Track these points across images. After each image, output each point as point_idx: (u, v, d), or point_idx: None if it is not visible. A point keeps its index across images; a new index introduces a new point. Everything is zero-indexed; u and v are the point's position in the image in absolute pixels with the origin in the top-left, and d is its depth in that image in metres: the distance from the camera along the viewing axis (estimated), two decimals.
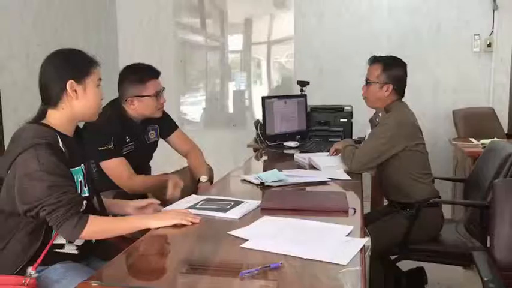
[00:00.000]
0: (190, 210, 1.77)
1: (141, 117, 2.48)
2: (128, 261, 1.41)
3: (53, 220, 1.51)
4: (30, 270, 1.59)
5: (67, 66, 1.64)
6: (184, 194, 2.24)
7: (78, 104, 1.64)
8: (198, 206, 1.86)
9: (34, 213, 1.52)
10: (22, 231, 1.59)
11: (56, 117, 1.64)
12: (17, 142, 1.57)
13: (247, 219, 1.70)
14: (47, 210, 1.50)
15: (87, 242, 1.73)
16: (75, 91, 1.63)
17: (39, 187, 1.50)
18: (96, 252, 1.81)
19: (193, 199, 1.97)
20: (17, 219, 1.59)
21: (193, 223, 1.63)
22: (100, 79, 1.71)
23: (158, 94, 2.44)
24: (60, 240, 1.65)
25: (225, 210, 1.79)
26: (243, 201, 1.89)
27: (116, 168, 2.33)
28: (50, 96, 1.63)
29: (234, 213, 1.75)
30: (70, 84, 1.61)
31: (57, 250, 1.66)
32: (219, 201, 1.91)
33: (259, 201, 1.90)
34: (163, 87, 2.50)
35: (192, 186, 2.49)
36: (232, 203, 1.87)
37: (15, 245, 1.60)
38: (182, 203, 1.94)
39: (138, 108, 2.43)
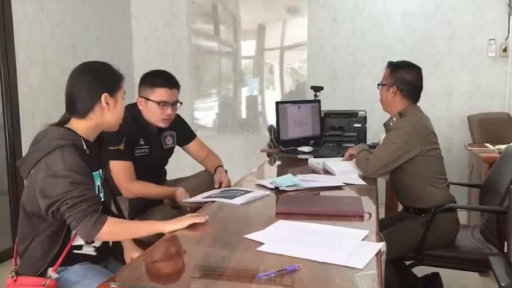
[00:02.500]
0: (205, 198, 2.11)
1: (151, 121, 2.49)
2: (146, 264, 1.42)
3: (73, 215, 1.52)
4: (51, 271, 1.62)
5: (102, 79, 1.69)
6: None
7: (108, 116, 1.69)
8: (212, 195, 2.14)
9: (55, 207, 1.53)
10: (42, 234, 1.62)
11: (81, 125, 1.68)
12: (41, 143, 1.60)
13: (262, 223, 1.71)
14: (70, 204, 1.52)
15: (105, 244, 1.76)
16: (107, 103, 1.68)
17: (63, 183, 1.53)
18: (113, 255, 1.83)
19: (210, 192, 2.26)
20: (38, 221, 1.62)
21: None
22: (125, 92, 1.77)
23: (163, 104, 2.41)
24: (79, 241, 1.68)
25: (232, 197, 2.04)
26: (252, 191, 2.15)
27: (119, 169, 2.33)
28: (80, 107, 1.66)
29: (238, 200, 2.00)
30: (104, 97, 1.67)
31: (76, 251, 1.69)
32: (232, 191, 2.19)
33: (268, 192, 2.16)
34: (178, 101, 2.48)
35: (207, 188, 2.50)
36: (243, 192, 2.12)
37: (36, 248, 1.63)
38: (200, 197, 2.20)
39: (144, 110, 2.45)
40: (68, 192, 1.52)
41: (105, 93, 1.67)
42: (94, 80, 1.68)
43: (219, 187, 2.52)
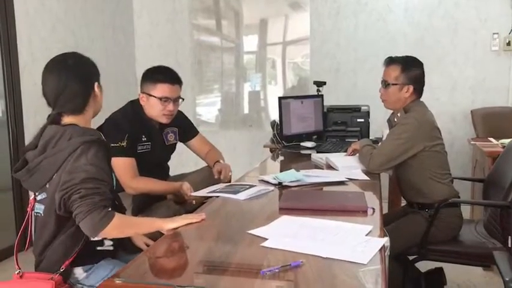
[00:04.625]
0: (209, 193, 2.12)
1: (152, 117, 2.50)
2: (150, 260, 1.43)
3: (83, 206, 1.50)
4: (76, 269, 1.65)
5: (88, 70, 1.70)
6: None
7: (98, 103, 1.73)
8: (217, 190, 2.15)
9: (67, 195, 1.51)
10: (65, 233, 1.62)
11: (79, 120, 1.67)
12: (58, 145, 1.59)
13: (266, 218, 1.71)
14: (82, 193, 1.50)
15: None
16: (98, 91, 1.71)
17: (81, 176, 1.52)
18: (124, 248, 1.85)
19: (215, 187, 2.25)
20: (61, 222, 1.62)
21: (202, 220, 1.69)
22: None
23: (165, 99, 2.41)
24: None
25: (236, 193, 2.05)
26: (256, 185, 2.17)
27: (122, 166, 2.32)
28: (76, 103, 1.66)
29: (242, 195, 2.01)
30: (96, 86, 1.70)
31: (99, 248, 1.71)
32: (236, 186, 2.21)
33: (272, 187, 2.17)
34: (180, 97, 2.49)
35: (210, 184, 2.50)
36: (247, 187, 2.14)
37: (59, 247, 1.63)
38: (205, 191, 2.21)
39: (146, 106, 2.46)
40: (83, 183, 1.52)
41: (96, 82, 1.70)
42: (84, 73, 1.68)
43: (219, 177, 2.56)
